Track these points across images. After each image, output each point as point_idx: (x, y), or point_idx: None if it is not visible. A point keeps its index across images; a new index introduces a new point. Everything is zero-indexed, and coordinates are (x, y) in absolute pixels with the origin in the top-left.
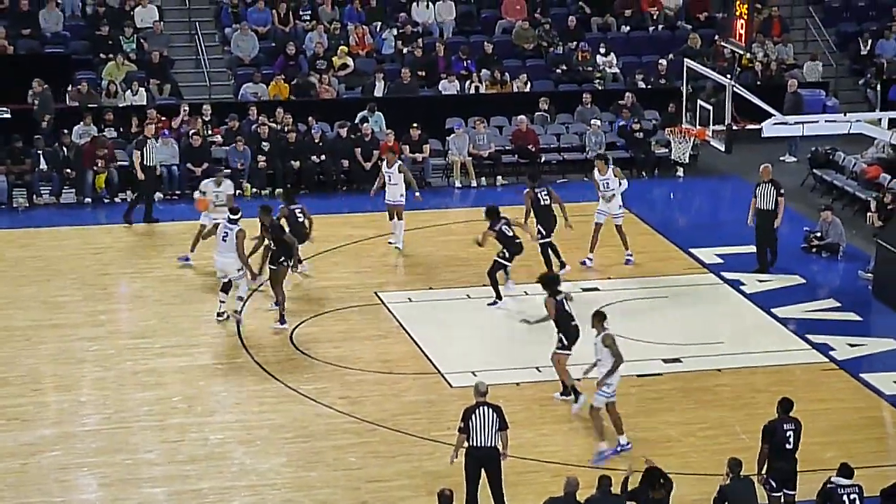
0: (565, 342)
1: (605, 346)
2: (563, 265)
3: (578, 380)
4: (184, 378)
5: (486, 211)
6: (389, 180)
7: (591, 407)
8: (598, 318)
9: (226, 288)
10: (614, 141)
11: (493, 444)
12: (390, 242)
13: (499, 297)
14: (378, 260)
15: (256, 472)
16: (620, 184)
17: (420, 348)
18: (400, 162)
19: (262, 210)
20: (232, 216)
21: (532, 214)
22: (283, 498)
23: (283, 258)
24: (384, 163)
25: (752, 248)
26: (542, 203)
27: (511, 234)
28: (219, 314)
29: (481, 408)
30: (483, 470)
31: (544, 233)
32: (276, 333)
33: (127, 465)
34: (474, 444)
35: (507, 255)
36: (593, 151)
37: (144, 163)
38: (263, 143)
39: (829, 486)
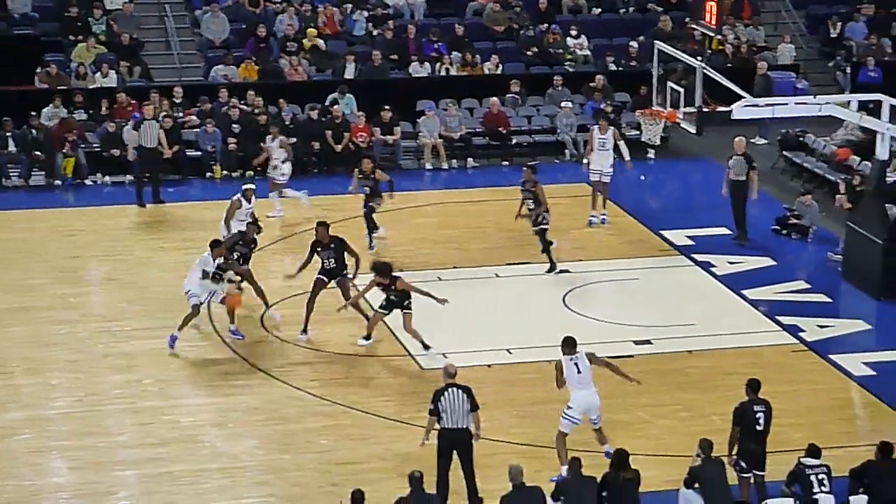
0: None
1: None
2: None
3: None
4: (155, 361)
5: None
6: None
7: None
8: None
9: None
10: (585, 123)
11: (464, 426)
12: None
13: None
14: (349, 243)
15: (228, 454)
16: (618, 146)
17: (391, 331)
18: (282, 138)
19: (319, 225)
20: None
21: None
22: (255, 480)
23: (345, 270)
24: (269, 137)
25: (723, 231)
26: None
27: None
28: None
29: (451, 389)
30: (455, 451)
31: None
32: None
33: (99, 448)
34: (446, 425)
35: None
36: (564, 133)
37: (143, 143)
38: (234, 126)
39: (798, 466)
